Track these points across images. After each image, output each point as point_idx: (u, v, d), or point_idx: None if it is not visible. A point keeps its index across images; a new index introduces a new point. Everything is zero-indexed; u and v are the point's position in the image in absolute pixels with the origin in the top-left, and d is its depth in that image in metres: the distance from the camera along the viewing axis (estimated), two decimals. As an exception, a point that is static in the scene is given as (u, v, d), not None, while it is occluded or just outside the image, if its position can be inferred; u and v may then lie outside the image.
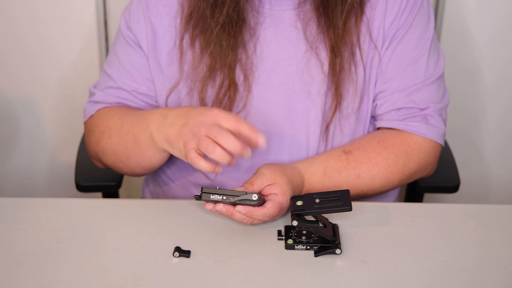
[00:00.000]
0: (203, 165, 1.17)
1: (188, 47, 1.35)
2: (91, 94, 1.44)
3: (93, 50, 1.98)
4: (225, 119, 1.18)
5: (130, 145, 1.32)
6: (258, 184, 1.22)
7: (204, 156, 1.18)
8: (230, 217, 1.19)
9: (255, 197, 1.16)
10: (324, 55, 1.34)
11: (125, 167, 1.38)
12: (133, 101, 1.40)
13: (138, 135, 1.30)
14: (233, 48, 1.32)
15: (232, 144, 1.16)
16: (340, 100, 1.36)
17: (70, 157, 2.07)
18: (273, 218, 1.23)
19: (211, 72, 1.34)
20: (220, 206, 1.17)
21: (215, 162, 1.17)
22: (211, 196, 1.16)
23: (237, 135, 1.17)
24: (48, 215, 1.28)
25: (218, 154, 1.16)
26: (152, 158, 1.32)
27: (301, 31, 1.34)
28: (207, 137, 1.17)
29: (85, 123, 1.44)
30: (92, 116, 1.41)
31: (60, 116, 2.07)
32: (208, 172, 1.18)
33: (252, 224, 1.25)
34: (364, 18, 1.34)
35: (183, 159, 1.22)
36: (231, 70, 1.33)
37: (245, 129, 1.17)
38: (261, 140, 1.17)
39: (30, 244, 1.20)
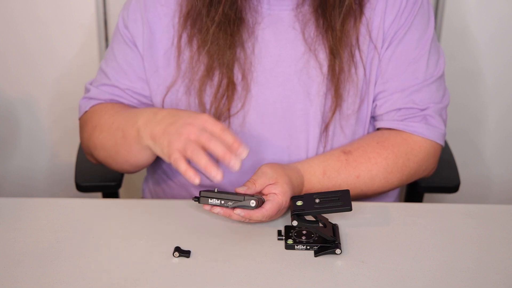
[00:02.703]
0: (183, 167, 1.16)
1: (186, 46, 1.35)
2: (86, 90, 1.46)
3: (93, 50, 1.99)
4: (212, 126, 1.18)
5: (119, 141, 1.33)
6: (260, 183, 1.22)
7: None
8: (228, 217, 1.20)
9: (253, 203, 1.16)
10: (323, 56, 1.34)
11: (114, 163, 1.39)
12: (127, 99, 1.41)
13: (127, 130, 1.30)
14: (230, 47, 1.32)
15: (221, 149, 1.15)
16: (340, 102, 1.36)
17: (70, 157, 2.07)
18: (272, 218, 1.23)
19: (209, 71, 1.34)
20: (217, 209, 1.17)
21: (196, 172, 1.16)
22: (209, 200, 1.17)
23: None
24: (48, 215, 1.28)
25: (203, 161, 1.15)
26: (138, 155, 1.32)
27: (299, 32, 1.34)
28: (195, 143, 1.16)
29: (79, 119, 1.46)
30: (86, 112, 1.43)
31: (60, 116, 2.07)
32: (187, 179, 1.16)
33: (251, 223, 1.25)
34: (364, 19, 1.34)
35: (165, 158, 1.22)
36: (229, 69, 1.33)
37: (228, 138, 1.16)
38: (242, 151, 1.16)
39: (30, 244, 1.20)
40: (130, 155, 1.33)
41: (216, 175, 1.14)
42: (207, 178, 1.41)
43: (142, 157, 1.33)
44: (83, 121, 1.44)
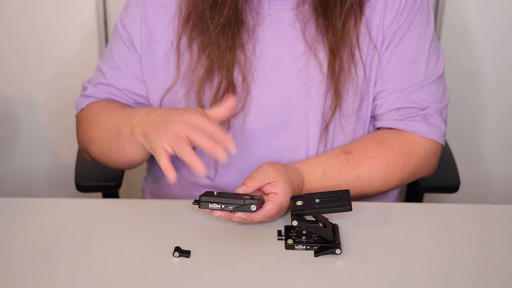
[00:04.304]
0: (164, 164, 1.15)
1: (186, 48, 1.35)
2: (84, 88, 1.46)
3: (93, 50, 1.98)
4: (202, 123, 1.16)
5: (113, 139, 1.33)
6: (260, 180, 1.22)
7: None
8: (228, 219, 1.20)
9: (253, 208, 1.17)
10: (323, 56, 1.34)
11: (108, 160, 1.39)
12: (123, 98, 1.41)
13: (121, 129, 1.30)
14: (231, 50, 1.32)
15: (209, 144, 1.13)
16: (339, 101, 1.36)
17: (70, 157, 2.07)
18: (272, 218, 1.23)
19: (209, 73, 1.34)
20: (218, 213, 1.17)
21: (175, 172, 1.15)
22: (210, 205, 1.17)
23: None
24: (48, 215, 1.28)
25: (188, 156, 1.13)
26: (131, 153, 1.32)
27: (299, 31, 1.34)
28: (182, 137, 1.15)
29: (76, 116, 1.46)
30: (82, 109, 1.43)
31: (60, 116, 2.07)
32: (166, 176, 1.15)
33: (251, 223, 1.25)
34: (364, 19, 1.34)
35: (152, 153, 1.21)
36: (229, 71, 1.33)
37: (218, 135, 1.14)
38: (231, 148, 1.14)
39: (30, 244, 1.20)
40: (123, 153, 1.33)
41: (201, 171, 1.13)
42: (207, 177, 1.42)
43: (135, 156, 1.33)
44: (80, 118, 1.44)
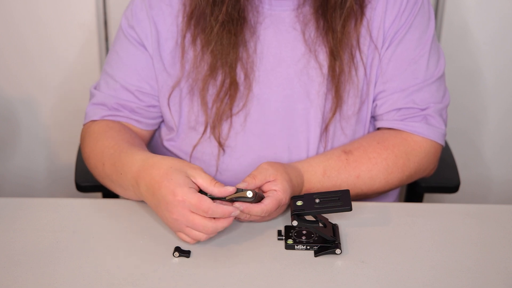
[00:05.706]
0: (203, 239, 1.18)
1: (190, 45, 1.35)
2: (91, 95, 1.44)
3: (93, 50, 1.98)
4: (194, 209, 1.14)
5: (114, 186, 1.32)
6: (260, 178, 1.22)
7: None
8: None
9: (250, 194, 1.16)
10: (323, 57, 1.34)
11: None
12: (134, 102, 1.40)
13: (121, 184, 1.29)
14: (234, 46, 1.32)
15: (212, 232, 1.15)
16: (340, 103, 1.36)
17: (70, 157, 2.07)
18: (271, 215, 1.23)
19: (212, 70, 1.34)
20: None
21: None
22: (208, 194, 1.16)
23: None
24: (48, 215, 1.28)
25: (211, 236, 1.18)
26: (133, 198, 1.31)
27: (299, 33, 1.34)
28: (190, 229, 1.16)
29: (84, 125, 1.44)
30: (92, 121, 1.41)
31: (60, 116, 2.07)
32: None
33: (251, 222, 1.25)
34: (364, 20, 1.34)
35: None
36: (232, 68, 1.33)
37: (217, 214, 1.14)
38: (234, 214, 1.15)
39: (30, 244, 1.20)
40: (123, 194, 1.32)
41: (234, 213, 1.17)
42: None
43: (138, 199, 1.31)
44: (85, 132, 1.42)
